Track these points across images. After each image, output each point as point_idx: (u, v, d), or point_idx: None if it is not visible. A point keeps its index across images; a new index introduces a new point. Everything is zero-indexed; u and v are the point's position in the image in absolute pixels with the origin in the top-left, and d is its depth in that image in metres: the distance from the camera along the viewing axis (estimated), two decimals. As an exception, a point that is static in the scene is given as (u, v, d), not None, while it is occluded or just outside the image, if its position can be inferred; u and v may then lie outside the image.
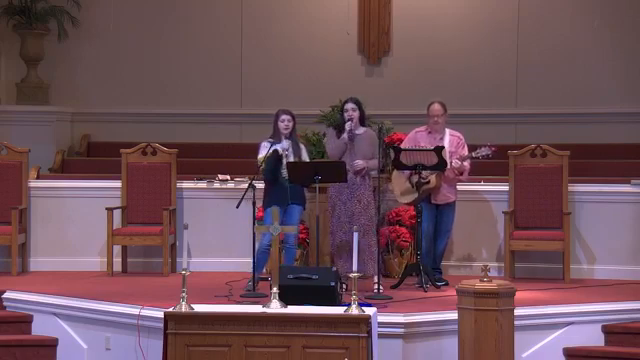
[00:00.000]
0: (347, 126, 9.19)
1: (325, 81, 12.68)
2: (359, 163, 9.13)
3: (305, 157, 9.42)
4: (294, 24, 13.04)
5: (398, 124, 10.63)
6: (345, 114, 9.27)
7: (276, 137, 9.29)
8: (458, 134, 9.82)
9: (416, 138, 9.79)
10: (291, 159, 9.19)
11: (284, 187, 9.13)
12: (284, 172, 9.13)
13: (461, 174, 9.72)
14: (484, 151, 9.62)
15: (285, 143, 9.20)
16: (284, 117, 9.31)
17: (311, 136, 10.65)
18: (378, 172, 9.19)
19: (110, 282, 9.94)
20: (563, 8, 12.73)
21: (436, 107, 9.74)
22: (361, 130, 9.28)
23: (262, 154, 9.20)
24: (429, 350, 7.99)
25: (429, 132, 9.78)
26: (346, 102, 9.33)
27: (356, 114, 9.22)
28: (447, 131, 9.78)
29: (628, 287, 9.61)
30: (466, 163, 9.68)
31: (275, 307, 7.20)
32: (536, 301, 8.68)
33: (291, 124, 9.32)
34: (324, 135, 10.60)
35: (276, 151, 9.13)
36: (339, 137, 9.28)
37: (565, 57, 12.67)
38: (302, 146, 9.49)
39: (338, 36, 12.95)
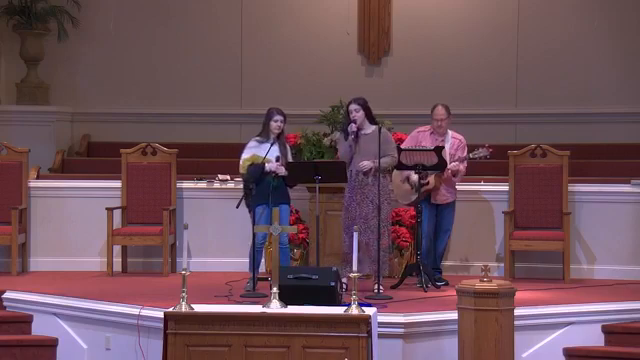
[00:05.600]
0: (349, 128, 9.15)
1: (325, 81, 12.67)
2: (365, 164, 9.09)
3: (290, 159, 9.38)
4: (294, 24, 13.03)
5: (398, 124, 10.63)
6: (350, 116, 9.23)
7: (265, 136, 9.24)
8: (460, 137, 9.82)
9: (418, 137, 9.78)
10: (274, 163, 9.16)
11: (271, 187, 9.07)
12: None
13: (454, 175, 9.69)
14: (481, 152, 9.64)
15: (274, 154, 9.10)
16: (277, 117, 9.26)
17: (311, 136, 10.65)
18: (379, 171, 9.11)
19: (110, 282, 9.94)
20: (563, 8, 12.73)
21: (440, 110, 9.73)
22: (370, 129, 9.20)
23: (248, 155, 9.17)
24: (429, 350, 7.99)
25: (432, 132, 9.78)
26: (349, 103, 9.29)
27: (360, 114, 9.15)
28: (450, 133, 9.78)
29: (628, 287, 9.62)
30: (462, 166, 9.68)
31: (275, 307, 7.20)
32: (536, 301, 8.68)
33: (283, 125, 9.29)
34: (324, 135, 10.60)
35: (263, 166, 9.09)
36: (346, 139, 9.23)
37: (565, 57, 12.67)
38: (288, 148, 9.46)
39: (338, 36, 12.95)
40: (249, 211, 9.19)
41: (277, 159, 9.06)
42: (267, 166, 9.08)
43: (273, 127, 9.23)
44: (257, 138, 9.28)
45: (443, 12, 12.86)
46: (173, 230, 10.53)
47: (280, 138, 9.29)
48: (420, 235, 9.41)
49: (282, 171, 9.10)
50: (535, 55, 12.71)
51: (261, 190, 9.06)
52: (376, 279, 9.00)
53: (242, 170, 9.20)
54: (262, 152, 9.10)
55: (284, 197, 9.23)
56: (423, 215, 9.46)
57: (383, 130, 9.11)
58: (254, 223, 8.98)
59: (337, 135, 9.52)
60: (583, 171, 11.00)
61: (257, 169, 9.09)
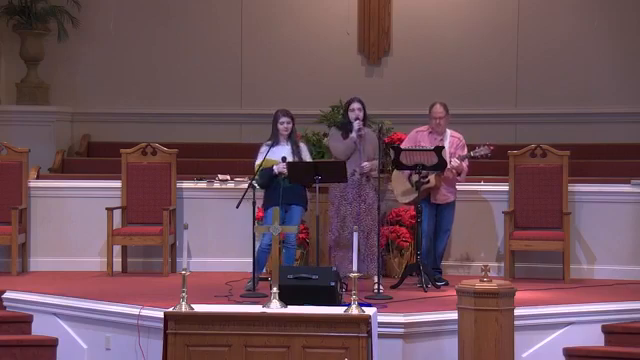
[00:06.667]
0: (356, 125, 9.16)
1: (325, 81, 12.67)
2: (366, 165, 9.14)
3: (306, 157, 9.40)
4: (294, 24, 13.03)
5: (398, 124, 10.64)
6: (351, 113, 9.23)
7: (275, 138, 9.28)
8: (459, 135, 9.82)
9: (417, 138, 9.79)
10: (289, 160, 9.18)
11: (282, 188, 9.12)
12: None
13: (459, 174, 9.73)
14: (482, 150, 9.64)
15: (277, 155, 9.15)
16: (284, 119, 9.30)
17: (311, 136, 10.65)
18: (378, 172, 9.19)
19: (110, 282, 9.94)
20: (563, 8, 12.73)
21: (438, 109, 9.74)
22: (364, 131, 9.27)
23: (259, 160, 9.22)
24: (429, 350, 7.99)
25: (430, 132, 9.79)
26: (351, 102, 9.30)
27: (361, 114, 9.22)
28: (448, 132, 9.79)
29: (628, 287, 9.61)
30: (464, 164, 9.69)
31: (275, 307, 7.20)
32: (536, 301, 8.68)
33: (290, 125, 9.32)
34: (324, 135, 10.59)
35: (272, 169, 9.14)
36: (345, 137, 9.24)
37: (565, 57, 12.67)
38: (302, 146, 9.47)
39: (338, 36, 12.95)
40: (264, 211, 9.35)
41: (283, 159, 9.08)
42: (274, 168, 9.13)
43: (281, 129, 9.29)
44: (267, 142, 9.33)
45: (443, 12, 12.86)
46: (173, 230, 10.53)
47: (291, 138, 9.32)
48: (420, 235, 9.41)
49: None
50: (535, 55, 12.71)
51: (273, 191, 9.12)
52: (375, 279, 9.01)
53: (255, 176, 9.24)
54: (272, 155, 9.14)
55: (297, 198, 9.24)
56: (423, 215, 9.46)
57: (374, 133, 9.17)
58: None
59: (333, 131, 9.50)
60: (583, 171, 11.00)
61: (267, 172, 9.13)
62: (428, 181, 9.54)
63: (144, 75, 13.10)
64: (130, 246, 10.61)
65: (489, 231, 10.46)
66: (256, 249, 9.10)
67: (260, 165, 9.15)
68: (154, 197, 10.65)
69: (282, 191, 9.10)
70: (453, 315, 7.71)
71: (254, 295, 8.82)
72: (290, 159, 9.17)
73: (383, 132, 9.47)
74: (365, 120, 9.31)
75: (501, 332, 7.33)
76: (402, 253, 10.19)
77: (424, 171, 9.35)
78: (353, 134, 9.19)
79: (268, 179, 9.17)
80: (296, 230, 8.64)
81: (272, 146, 9.23)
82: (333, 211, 9.23)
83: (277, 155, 9.16)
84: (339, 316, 7.07)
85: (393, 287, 9.27)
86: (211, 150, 12.53)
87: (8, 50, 13.11)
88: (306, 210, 9.49)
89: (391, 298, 8.73)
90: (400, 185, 9.72)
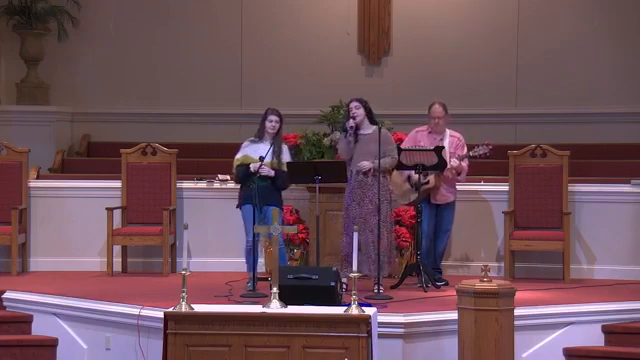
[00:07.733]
0: (347, 123, 9.15)
1: (325, 81, 12.67)
2: (364, 164, 9.09)
3: (286, 159, 9.31)
4: (294, 24, 13.04)
5: (398, 124, 10.62)
6: (350, 113, 9.23)
7: (260, 136, 9.28)
8: (458, 135, 9.82)
9: (416, 137, 9.79)
10: (268, 160, 9.15)
11: (257, 187, 9.05)
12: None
13: (459, 174, 9.72)
14: (482, 150, 9.64)
15: (262, 160, 9.10)
16: (272, 117, 9.29)
17: (311, 136, 10.65)
18: (379, 170, 9.11)
19: (110, 282, 9.94)
20: (563, 8, 12.74)
21: (437, 108, 9.73)
22: (370, 129, 9.19)
23: (239, 155, 9.26)
24: (429, 350, 7.99)
25: (429, 132, 9.79)
26: (350, 102, 9.29)
27: (360, 112, 9.15)
28: (447, 132, 9.79)
29: (628, 287, 9.62)
30: (464, 163, 9.69)
31: (275, 307, 7.20)
32: (536, 301, 8.68)
33: (278, 125, 9.30)
34: (324, 135, 10.59)
35: (249, 167, 9.13)
36: (345, 137, 9.24)
37: (565, 57, 12.68)
38: (284, 148, 9.39)
39: (338, 36, 12.95)
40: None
41: (261, 159, 9.05)
42: (251, 166, 9.11)
43: (267, 127, 9.28)
44: (251, 138, 9.35)
45: (443, 12, 12.87)
46: (173, 230, 10.53)
47: (276, 138, 9.29)
48: (420, 235, 9.40)
49: (265, 171, 9.08)
50: (535, 55, 12.72)
51: (247, 189, 9.12)
52: (376, 279, 8.99)
53: (233, 170, 9.29)
54: (253, 152, 9.16)
55: (271, 199, 9.15)
56: (423, 215, 9.45)
57: (383, 130, 9.10)
58: (244, 221, 9.07)
59: (337, 135, 9.51)
60: (583, 171, 11.01)
61: (243, 169, 9.14)
62: (428, 182, 9.54)
63: (144, 75, 13.10)
64: (130, 246, 10.61)
65: (489, 231, 10.46)
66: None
67: (240, 160, 9.17)
68: (154, 197, 10.65)
69: (257, 191, 9.03)
70: (453, 315, 7.71)
71: (254, 295, 8.82)
72: (269, 159, 9.15)
73: (383, 132, 9.46)
74: (372, 118, 9.24)
75: (501, 332, 7.33)
76: (402, 253, 10.19)
77: (423, 171, 9.35)
78: (347, 133, 9.17)
79: (243, 176, 9.16)
80: (295, 230, 8.59)
81: (255, 143, 9.24)
82: (343, 213, 9.21)
83: (257, 153, 9.12)
84: (339, 316, 7.07)
85: (393, 287, 9.27)
86: (211, 150, 12.52)
87: (8, 50, 13.11)
88: (281, 210, 9.42)
89: (391, 298, 8.73)
90: (399, 185, 9.72)
